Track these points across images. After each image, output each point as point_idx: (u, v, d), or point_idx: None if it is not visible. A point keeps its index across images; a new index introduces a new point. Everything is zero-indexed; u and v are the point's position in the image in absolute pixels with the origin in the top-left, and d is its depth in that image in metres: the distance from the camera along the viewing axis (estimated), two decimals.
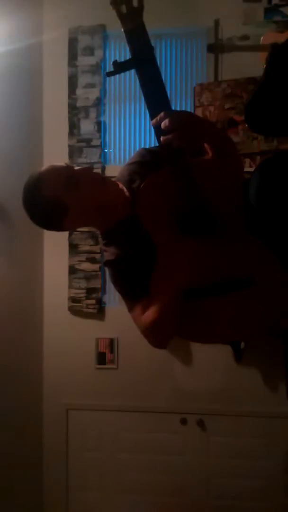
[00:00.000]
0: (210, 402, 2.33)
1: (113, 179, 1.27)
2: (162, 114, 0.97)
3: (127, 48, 0.99)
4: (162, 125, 0.97)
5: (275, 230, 1.12)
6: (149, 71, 0.98)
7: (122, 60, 0.99)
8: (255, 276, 1.06)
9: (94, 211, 1.14)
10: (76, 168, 1.12)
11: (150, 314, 1.07)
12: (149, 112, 1.00)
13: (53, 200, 1.07)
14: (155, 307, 1.06)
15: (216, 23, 2.29)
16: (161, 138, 0.99)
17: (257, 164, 2.16)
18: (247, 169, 2.11)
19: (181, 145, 1.00)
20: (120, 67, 1.00)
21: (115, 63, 1.00)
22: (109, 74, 1.01)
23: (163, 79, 1.00)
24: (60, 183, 1.07)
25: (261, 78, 1.44)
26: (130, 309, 1.15)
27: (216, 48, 2.27)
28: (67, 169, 1.10)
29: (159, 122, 0.98)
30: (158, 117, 0.98)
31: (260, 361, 2.30)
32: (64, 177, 1.07)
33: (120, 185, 1.25)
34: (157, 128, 0.99)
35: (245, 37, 2.27)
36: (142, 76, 0.99)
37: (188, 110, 2.31)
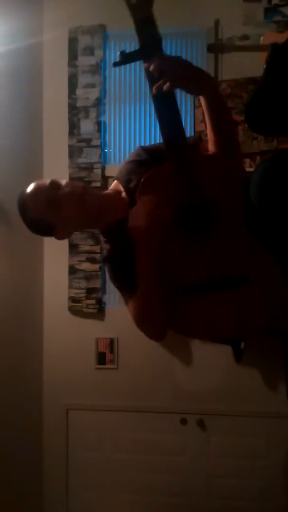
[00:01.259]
0: (210, 402, 2.33)
1: (113, 178, 1.29)
2: (154, 59, 0.95)
3: (127, 49, 0.99)
4: (151, 67, 0.95)
5: (275, 229, 1.12)
6: None
7: (130, 51, 0.98)
8: (252, 274, 1.07)
9: (82, 223, 1.19)
10: (59, 190, 1.12)
11: (136, 303, 1.10)
12: (154, 106, 0.99)
13: (38, 220, 1.14)
14: (138, 297, 1.09)
15: (216, 23, 2.29)
16: (153, 87, 0.97)
17: (257, 164, 2.16)
18: (247, 169, 2.11)
19: (172, 89, 0.97)
20: (127, 58, 0.99)
21: (122, 53, 0.99)
22: (116, 64, 1.01)
23: None
24: (42, 206, 1.11)
25: (261, 78, 1.43)
26: (127, 302, 1.17)
27: (216, 48, 2.27)
28: (48, 191, 1.12)
29: (149, 65, 0.96)
30: (149, 61, 0.96)
31: (260, 361, 2.30)
32: (45, 200, 1.11)
33: (116, 186, 1.27)
34: (148, 75, 0.97)
35: (245, 37, 2.27)
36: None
37: (188, 110, 2.31)
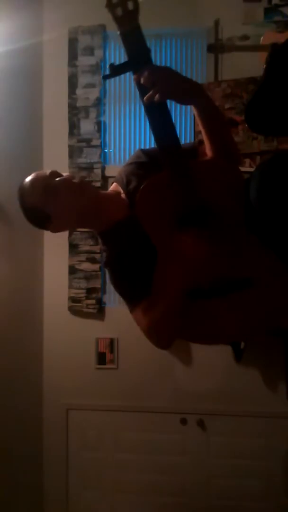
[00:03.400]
0: (210, 402, 2.33)
1: (112, 180, 1.28)
2: (143, 70, 0.95)
3: None
4: (142, 79, 0.95)
5: (275, 230, 1.11)
6: None
7: (119, 63, 0.98)
8: (256, 276, 1.06)
9: (77, 217, 1.18)
10: (58, 178, 1.13)
11: (153, 314, 1.07)
12: (146, 114, 1.00)
13: (35, 208, 1.14)
14: (158, 308, 1.06)
15: (216, 23, 2.29)
16: (144, 98, 0.97)
17: (257, 164, 2.16)
18: (247, 169, 2.11)
19: (163, 100, 0.97)
20: (116, 70, 0.99)
21: (111, 66, 0.99)
22: (106, 77, 1.01)
23: None
24: (38, 194, 1.12)
25: (261, 78, 1.43)
26: (132, 310, 1.15)
27: (216, 48, 2.27)
28: (47, 178, 1.13)
29: (139, 77, 0.96)
30: (139, 73, 0.96)
31: (260, 361, 2.30)
32: (42, 187, 1.12)
33: (115, 188, 1.26)
34: (139, 86, 0.97)
35: (245, 37, 2.27)
36: None
37: (188, 110, 2.31)
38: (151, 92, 0.95)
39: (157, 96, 0.95)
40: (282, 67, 1.38)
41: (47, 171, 1.16)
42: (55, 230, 1.20)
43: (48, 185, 1.12)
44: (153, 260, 1.08)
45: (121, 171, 1.28)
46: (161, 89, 0.95)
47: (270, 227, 1.10)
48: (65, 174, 1.17)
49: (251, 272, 1.06)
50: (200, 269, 1.05)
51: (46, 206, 1.13)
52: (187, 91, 1.02)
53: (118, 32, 0.95)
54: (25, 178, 1.17)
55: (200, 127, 1.12)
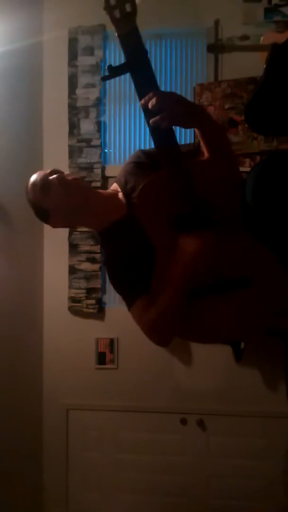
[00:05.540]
0: (210, 402, 2.33)
1: (111, 177, 1.30)
2: (150, 94, 0.96)
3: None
4: (150, 104, 0.96)
5: (271, 229, 1.11)
6: (143, 74, 0.98)
7: (118, 64, 0.99)
8: (255, 275, 1.06)
9: (73, 213, 1.22)
10: (53, 175, 1.18)
11: (154, 312, 1.08)
12: (144, 114, 1.00)
13: (35, 204, 1.21)
14: (159, 306, 1.07)
15: (216, 23, 2.29)
16: (150, 121, 0.98)
17: (252, 166, 2.16)
18: (247, 169, 2.11)
19: (169, 126, 0.99)
20: (114, 72, 1.00)
21: (109, 67, 1.00)
22: (104, 78, 1.02)
23: (162, 80, 0.99)
24: (36, 191, 1.19)
25: (261, 78, 1.43)
26: (130, 307, 1.16)
27: (216, 48, 2.27)
28: (44, 176, 1.19)
29: (147, 101, 0.97)
30: (146, 97, 0.97)
31: (260, 361, 2.30)
32: (40, 185, 1.18)
33: (115, 188, 1.27)
34: (146, 111, 0.98)
35: (245, 37, 2.27)
36: (136, 79, 0.99)
37: None
38: (157, 118, 0.97)
39: (163, 122, 0.97)
40: (282, 67, 1.38)
41: (49, 169, 1.21)
42: (54, 225, 1.25)
43: (44, 182, 1.17)
44: (151, 258, 1.08)
45: (121, 171, 1.30)
46: (168, 116, 0.97)
47: (266, 226, 1.10)
48: (66, 173, 1.21)
49: (249, 271, 1.06)
50: (200, 268, 1.05)
51: (42, 201, 1.19)
52: (192, 117, 1.04)
53: (116, 34, 0.95)
54: (25, 178, 1.22)
55: (202, 146, 1.13)
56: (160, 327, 1.09)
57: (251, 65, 2.12)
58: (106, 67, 1.00)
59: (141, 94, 0.98)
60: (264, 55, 1.48)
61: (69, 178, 1.19)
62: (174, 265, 1.05)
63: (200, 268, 1.04)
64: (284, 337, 2.14)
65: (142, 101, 0.98)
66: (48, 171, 1.20)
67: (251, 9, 2.27)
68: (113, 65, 0.99)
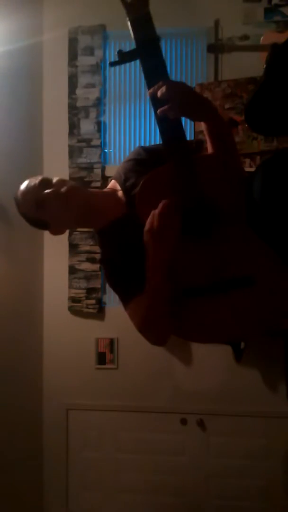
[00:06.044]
0: (210, 402, 2.33)
1: (110, 178, 1.28)
2: (160, 83, 0.95)
3: (127, 48, 0.98)
4: (159, 92, 0.95)
5: (277, 228, 1.11)
6: (153, 62, 0.97)
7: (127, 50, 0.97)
8: (256, 274, 1.05)
9: (74, 220, 1.19)
10: (46, 189, 1.12)
11: (142, 311, 1.08)
12: (152, 104, 0.99)
13: (32, 217, 1.16)
14: (145, 304, 1.06)
15: (216, 23, 2.29)
16: (158, 110, 0.97)
17: (258, 164, 2.16)
18: (247, 169, 2.11)
19: (177, 116, 0.98)
20: (124, 57, 0.98)
21: (120, 52, 0.98)
22: (113, 64, 1.00)
23: (168, 71, 0.98)
24: (30, 206, 1.13)
25: (261, 78, 1.43)
26: (125, 306, 1.16)
27: (216, 48, 2.27)
28: (35, 191, 1.12)
29: (156, 90, 0.95)
30: (156, 86, 0.95)
31: (260, 361, 2.30)
32: (32, 200, 1.12)
33: (113, 185, 1.26)
34: (153, 99, 0.97)
35: (245, 37, 2.27)
36: (146, 67, 0.97)
37: None
38: (166, 107, 0.96)
39: (171, 113, 0.96)
40: (282, 67, 1.38)
41: (38, 179, 1.14)
42: (55, 233, 1.21)
43: (37, 198, 1.12)
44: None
45: (120, 168, 1.27)
46: (177, 105, 0.96)
47: (272, 225, 1.10)
48: (55, 179, 1.14)
49: (251, 270, 1.05)
50: (200, 267, 1.04)
51: (40, 216, 1.14)
52: (202, 109, 1.03)
53: (127, 18, 0.93)
54: (25, 178, 1.16)
55: (208, 141, 1.12)
56: (149, 326, 1.09)
57: (251, 65, 2.12)
58: (117, 52, 0.99)
59: (150, 82, 0.97)
60: (264, 55, 1.48)
61: (63, 190, 1.11)
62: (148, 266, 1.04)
63: (194, 271, 1.04)
64: (284, 337, 2.14)
65: (151, 90, 0.96)
66: (37, 182, 1.13)
67: (251, 9, 2.27)
68: (123, 51, 0.98)
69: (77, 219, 1.19)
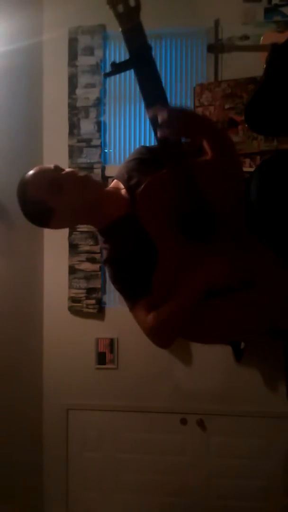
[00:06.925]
0: (210, 402, 2.33)
1: (112, 178, 1.28)
2: (161, 108, 0.96)
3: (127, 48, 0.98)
4: (160, 117, 0.96)
5: (275, 229, 1.11)
6: (147, 71, 0.97)
7: (121, 60, 0.98)
8: (257, 276, 1.06)
9: (80, 212, 1.17)
10: (62, 172, 1.13)
11: (162, 314, 1.07)
12: (150, 122, 0.99)
13: (38, 202, 1.11)
14: (171, 308, 1.06)
15: (216, 23, 2.29)
16: (158, 132, 0.97)
17: (257, 164, 2.16)
18: (247, 169, 2.11)
19: (178, 140, 0.99)
20: (118, 68, 0.99)
21: (113, 64, 0.99)
22: (107, 75, 1.02)
23: (162, 79, 0.99)
24: (43, 187, 1.10)
25: (261, 78, 1.44)
26: (131, 308, 1.15)
27: (216, 48, 2.27)
28: (51, 172, 1.11)
29: (156, 114, 0.96)
30: (156, 110, 0.96)
31: (260, 361, 2.30)
32: (47, 181, 1.10)
33: (115, 184, 1.26)
34: (153, 121, 0.98)
35: (245, 37, 2.27)
36: (140, 76, 0.98)
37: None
38: (166, 131, 0.97)
39: (172, 136, 0.97)
40: (282, 67, 1.38)
41: (51, 165, 1.14)
42: (57, 225, 1.17)
43: (53, 178, 1.10)
44: (152, 257, 1.07)
45: (122, 167, 1.27)
46: (177, 130, 0.97)
47: (270, 226, 1.10)
48: (67, 169, 1.15)
49: (252, 272, 1.06)
50: (211, 271, 1.04)
51: (50, 199, 1.10)
52: (199, 130, 1.04)
53: (120, 30, 0.95)
54: (23, 174, 1.15)
55: (207, 148, 1.12)
56: (167, 331, 1.08)
57: (251, 65, 2.13)
58: (110, 64, 1.00)
59: (144, 91, 0.97)
60: (264, 55, 1.48)
61: (81, 174, 1.13)
62: (179, 273, 1.05)
63: (218, 275, 1.06)
64: (284, 337, 2.14)
65: (151, 113, 0.97)
66: (52, 166, 1.13)
67: (251, 9, 2.27)
68: (116, 62, 0.99)
69: (84, 210, 1.16)
